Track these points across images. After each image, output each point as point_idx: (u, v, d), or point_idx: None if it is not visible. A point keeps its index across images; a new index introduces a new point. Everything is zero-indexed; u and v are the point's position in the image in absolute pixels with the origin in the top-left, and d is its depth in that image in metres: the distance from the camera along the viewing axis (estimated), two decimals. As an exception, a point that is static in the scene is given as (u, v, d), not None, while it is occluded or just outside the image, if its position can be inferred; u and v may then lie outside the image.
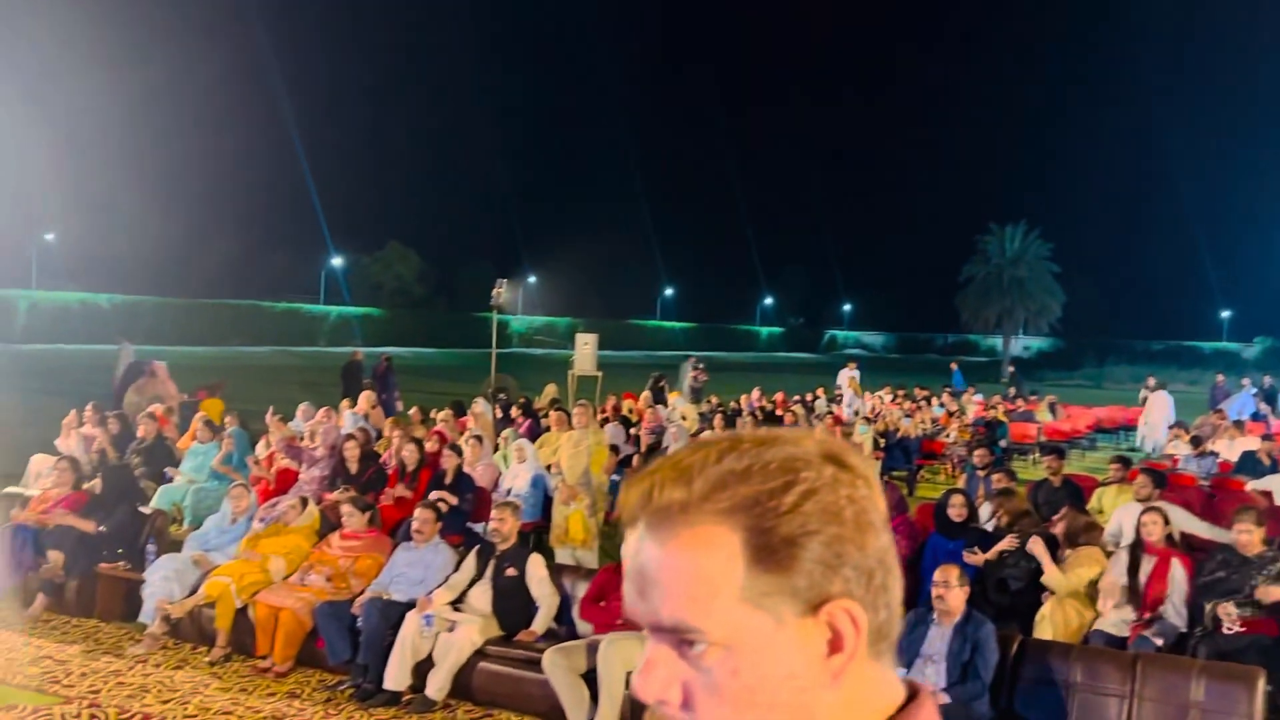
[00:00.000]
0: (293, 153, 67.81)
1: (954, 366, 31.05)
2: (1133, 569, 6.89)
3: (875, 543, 0.94)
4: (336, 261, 68.42)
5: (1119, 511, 8.49)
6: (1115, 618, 6.73)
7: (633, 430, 14.18)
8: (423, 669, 6.91)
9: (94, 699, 6.77)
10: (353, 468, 10.37)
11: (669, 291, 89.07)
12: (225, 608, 7.72)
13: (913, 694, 0.98)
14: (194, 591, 8.00)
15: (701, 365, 23.46)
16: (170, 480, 10.99)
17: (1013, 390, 29.06)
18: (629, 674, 6.27)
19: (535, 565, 7.28)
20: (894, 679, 0.98)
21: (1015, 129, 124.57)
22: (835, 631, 0.92)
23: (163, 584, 8.10)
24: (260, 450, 11.64)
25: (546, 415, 13.63)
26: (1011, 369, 39.84)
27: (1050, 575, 7.07)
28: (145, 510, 9.60)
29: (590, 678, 6.37)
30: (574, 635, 6.94)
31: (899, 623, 0.97)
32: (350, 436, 11.13)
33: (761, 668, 0.91)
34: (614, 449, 11.66)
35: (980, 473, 10.55)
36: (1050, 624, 6.78)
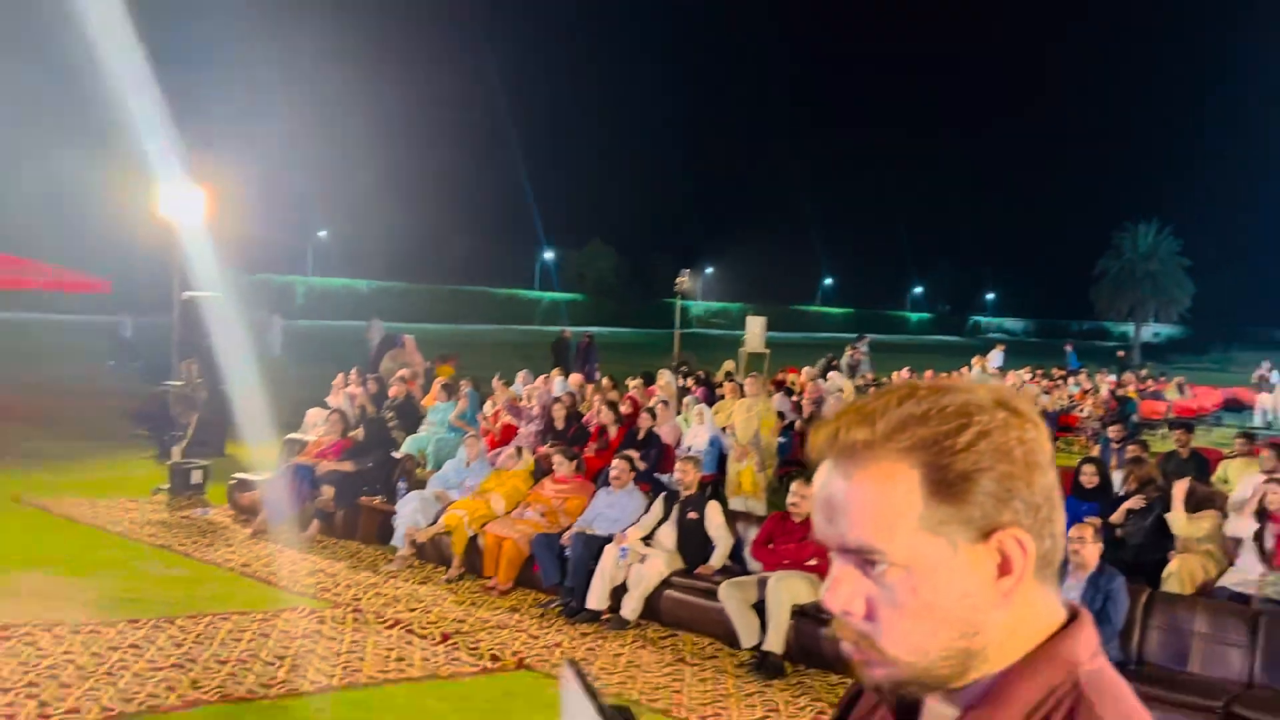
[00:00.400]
0: (517, 164, 69.40)
1: (1068, 348, 30.09)
2: (1258, 535, 6.46)
3: (1042, 480, 0.90)
4: (549, 255, 70.06)
5: (1244, 481, 7.94)
6: (1239, 577, 6.31)
7: (794, 399, 14.02)
8: (618, 593, 6.99)
9: (356, 605, 7.05)
10: (559, 425, 10.57)
11: (828, 280, 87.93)
12: (460, 536, 7.97)
13: (1073, 615, 0.93)
14: (435, 522, 8.24)
15: (859, 344, 22.90)
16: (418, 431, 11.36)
17: (1144, 371, 27.60)
18: (794, 607, 6.24)
19: (713, 511, 7.29)
20: (1056, 601, 0.94)
21: (1152, 129, 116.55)
22: (1005, 556, 0.88)
23: (411, 515, 8.39)
24: (488, 408, 11.94)
25: (721, 385, 13.61)
26: (1121, 353, 37.74)
27: (1176, 515, 6.71)
28: (397, 455, 9.98)
29: (759, 608, 6.36)
30: (745, 571, 6.90)
31: (1061, 552, 0.93)
32: (558, 399, 11.37)
33: (937, 586, 0.88)
34: (780, 415, 11.57)
35: (1115, 445, 10.04)
36: (1177, 579, 6.40)
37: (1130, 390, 20.21)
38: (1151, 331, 67.40)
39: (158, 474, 10.34)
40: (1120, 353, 38.36)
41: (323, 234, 58.38)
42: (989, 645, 0.89)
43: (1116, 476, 8.33)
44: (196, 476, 9.85)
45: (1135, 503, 7.22)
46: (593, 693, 0.97)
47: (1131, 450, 8.90)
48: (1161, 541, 6.89)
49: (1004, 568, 0.88)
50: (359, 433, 10.15)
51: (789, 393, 14.48)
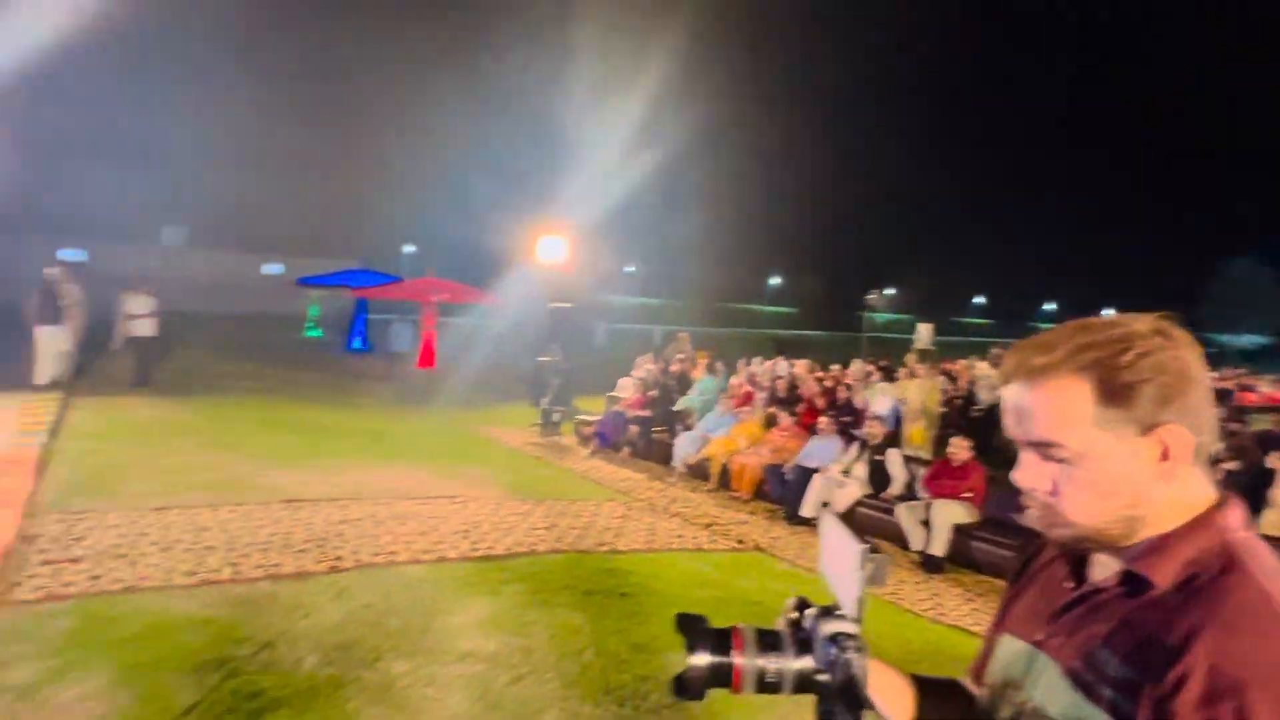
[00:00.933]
0: (756, 213, 67.39)
1: None
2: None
3: (1194, 389, 0.81)
4: (773, 280, 68.89)
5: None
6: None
7: (953, 383, 13.04)
8: (823, 507, 6.86)
9: (650, 500, 7.26)
10: (781, 393, 10.40)
11: (977, 299, 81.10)
12: (716, 463, 8.06)
13: (1225, 498, 0.84)
14: (699, 452, 8.43)
15: (1006, 347, 21.07)
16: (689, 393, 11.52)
17: (1240, 369, 23.56)
18: (952, 525, 5.86)
19: (893, 455, 6.96)
20: (1210, 485, 0.84)
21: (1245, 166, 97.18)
22: (1165, 446, 0.80)
23: (684, 447, 8.54)
24: (734, 380, 11.95)
25: (897, 370, 12.90)
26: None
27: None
28: (675, 408, 10.23)
29: (925, 524, 6.02)
30: (914, 498, 6.57)
31: (1212, 444, 0.83)
32: (781, 377, 11.20)
33: (1106, 468, 0.81)
34: (942, 392, 10.82)
35: (1220, 422, 8.60)
36: (1272, 526, 5.47)
37: (1230, 384, 17.29)
38: (1246, 340, 57.46)
39: (533, 414, 11.04)
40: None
41: (630, 269, 60.28)
42: (1151, 514, 0.82)
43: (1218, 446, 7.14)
44: (556, 416, 10.44)
45: (1232, 466, 6.21)
46: (847, 525, 0.97)
47: (1233, 427, 7.62)
48: (1255, 497, 5.88)
49: (1165, 455, 0.81)
50: (653, 393, 10.46)
51: (950, 378, 13.50)
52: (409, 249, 51.69)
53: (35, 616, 3.76)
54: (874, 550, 0.90)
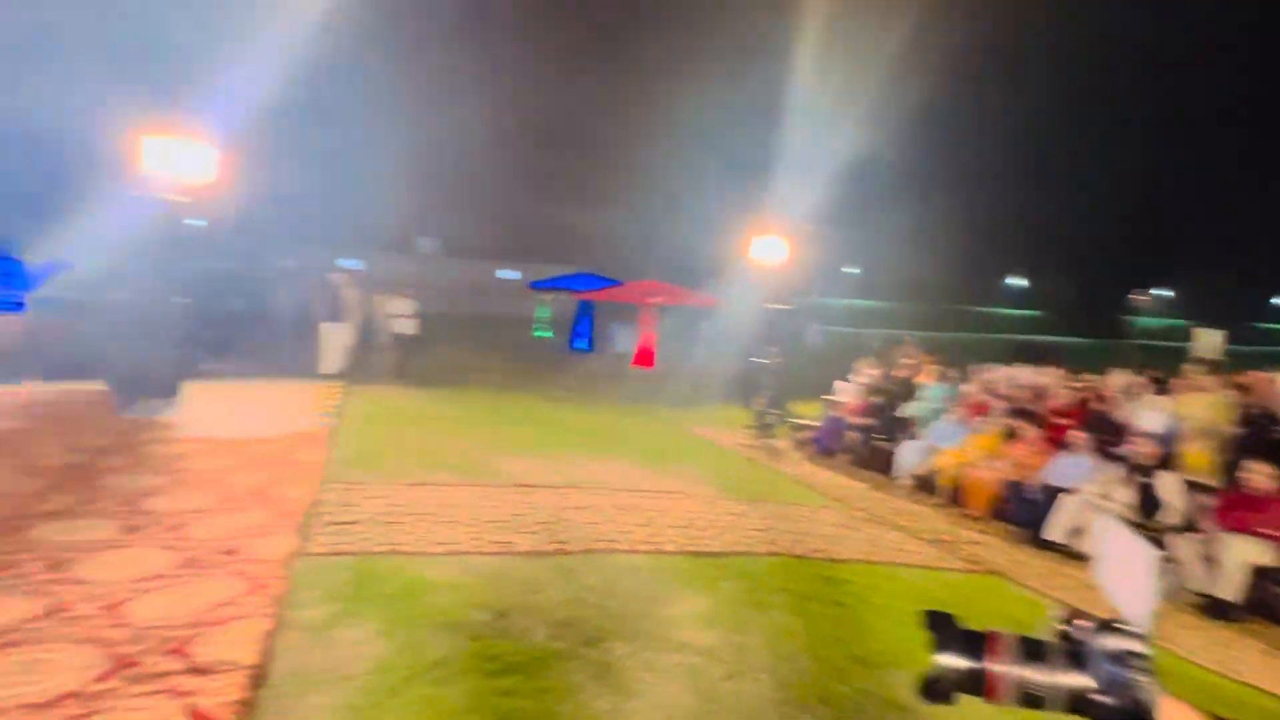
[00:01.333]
0: (993, 208, 61.67)
1: None
2: None
3: None
4: (1013, 281, 62.61)
5: None
6: None
7: (1250, 397, 10.95)
8: (1074, 532, 6.09)
9: (870, 510, 6.96)
10: (1025, 404, 9.40)
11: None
12: (946, 476, 7.54)
13: None
14: (926, 463, 7.93)
15: None
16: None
17: None
18: (1251, 566, 4.94)
19: (1169, 478, 6.03)
20: None
21: None
22: None
23: (909, 456, 8.14)
24: (968, 388, 11.07)
25: (1166, 382, 11.15)
26: None
27: None
28: (900, 416, 9.68)
29: (1206, 561, 5.14)
30: (1193, 529, 5.63)
31: None
32: (1023, 385, 10.17)
33: None
34: (1236, 409, 9.16)
35: None
36: None
37: None
38: None
39: (746, 416, 11.07)
40: None
41: (854, 270, 57.95)
42: None
43: None
44: (770, 419, 10.40)
45: None
46: (1134, 529, 0.86)
47: None
48: None
49: None
50: (876, 399, 10.01)
51: (1243, 392, 11.37)
52: (629, 253, 54.14)
53: (323, 568, 4.46)
54: (1170, 559, 0.79)
